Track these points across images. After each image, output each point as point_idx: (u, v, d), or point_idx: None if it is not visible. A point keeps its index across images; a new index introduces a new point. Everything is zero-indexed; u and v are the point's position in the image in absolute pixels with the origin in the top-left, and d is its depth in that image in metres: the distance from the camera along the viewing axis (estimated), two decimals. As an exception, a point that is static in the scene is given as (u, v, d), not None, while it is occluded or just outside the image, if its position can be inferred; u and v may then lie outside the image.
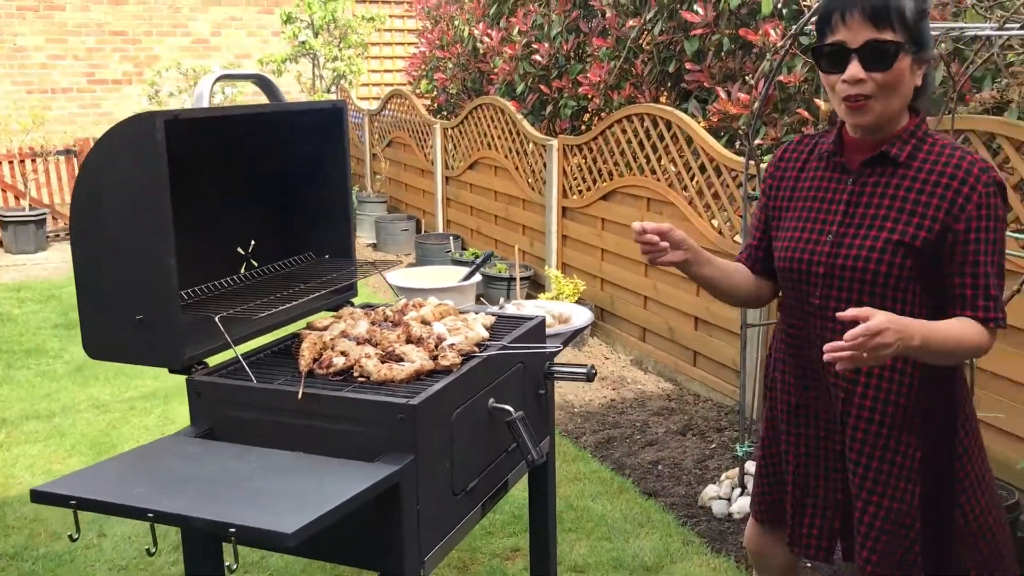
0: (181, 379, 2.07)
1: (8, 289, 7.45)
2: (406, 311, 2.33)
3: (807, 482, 2.12)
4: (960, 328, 1.81)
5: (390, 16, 11.16)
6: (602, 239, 5.77)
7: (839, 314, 1.67)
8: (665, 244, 1.96)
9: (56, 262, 8.45)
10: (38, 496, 1.68)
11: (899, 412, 1.93)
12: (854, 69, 1.80)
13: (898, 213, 1.86)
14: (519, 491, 3.59)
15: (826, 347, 1.65)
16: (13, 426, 4.59)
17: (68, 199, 7.63)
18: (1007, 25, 2.59)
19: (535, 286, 6.54)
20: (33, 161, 9.33)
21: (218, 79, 2.17)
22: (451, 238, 7.69)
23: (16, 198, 9.25)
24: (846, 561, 2.15)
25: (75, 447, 4.33)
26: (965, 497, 1.98)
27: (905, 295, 1.87)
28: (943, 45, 3.25)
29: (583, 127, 6.68)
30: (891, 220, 1.86)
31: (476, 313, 2.40)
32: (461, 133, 7.77)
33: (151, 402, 4.89)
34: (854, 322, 1.64)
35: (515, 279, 6.13)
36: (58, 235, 9.31)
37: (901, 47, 1.79)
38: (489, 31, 7.40)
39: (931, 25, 3.04)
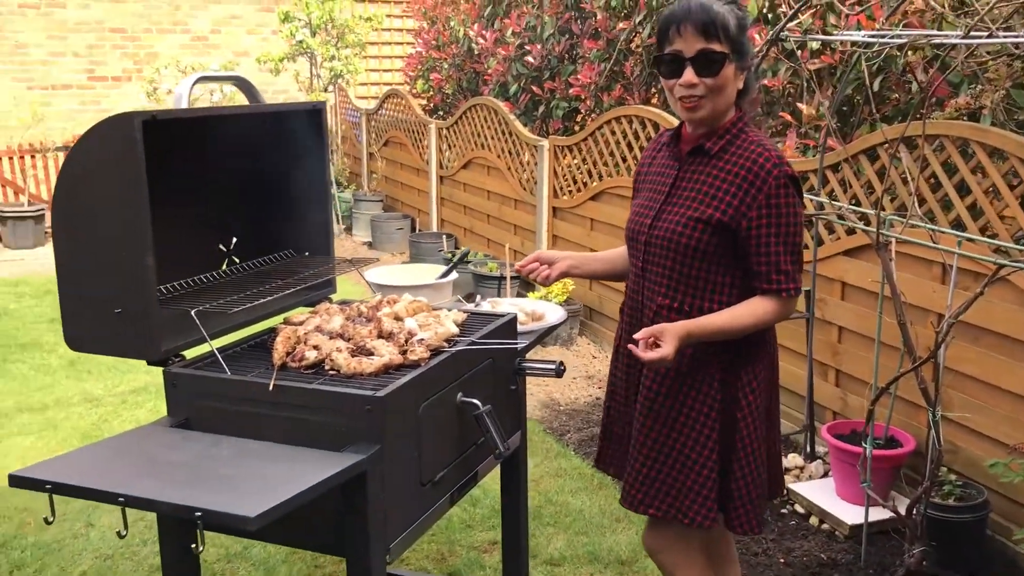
0: (172, 373, 2.13)
1: (6, 284, 7.52)
2: (380, 307, 2.39)
3: (617, 410, 2.43)
4: (738, 310, 2.15)
5: (387, 16, 11.22)
6: (591, 239, 5.83)
7: (635, 338, 2.10)
8: (544, 266, 2.48)
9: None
10: (15, 480, 1.75)
11: (686, 363, 2.21)
12: (688, 75, 2.12)
13: (703, 196, 2.19)
14: (500, 486, 3.66)
15: (631, 347, 2.11)
16: (7, 418, 4.66)
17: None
18: (972, 34, 2.65)
19: (525, 285, 6.60)
20: (32, 157, 9.42)
21: (197, 80, 2.24)
22: (444, 237, 7.75)
23: (15, 194, 9.34)
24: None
25: (66, 440, 4.40)
26: (743, 444, 2.23)
27: (709, 263, 2.18)
28: (914, 53, 3.31)
29: (576, 127, 6.74)
30: (696, 201, 2.19)
31: (449, 310, 2.46)
32: (455, 133, 7.84)
33: (142, 396, 4.96)
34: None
35: (505, 278, 6.19)
36: (56, 231, 9.38)
37: (727, 56, 2.11)
38: (484, 32, 7.47)
39: (906, 32, 3.11)
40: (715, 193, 2.16)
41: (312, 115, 2.60)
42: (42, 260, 8.46)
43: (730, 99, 2.18)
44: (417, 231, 8.72)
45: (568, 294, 5.87)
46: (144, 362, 2.13)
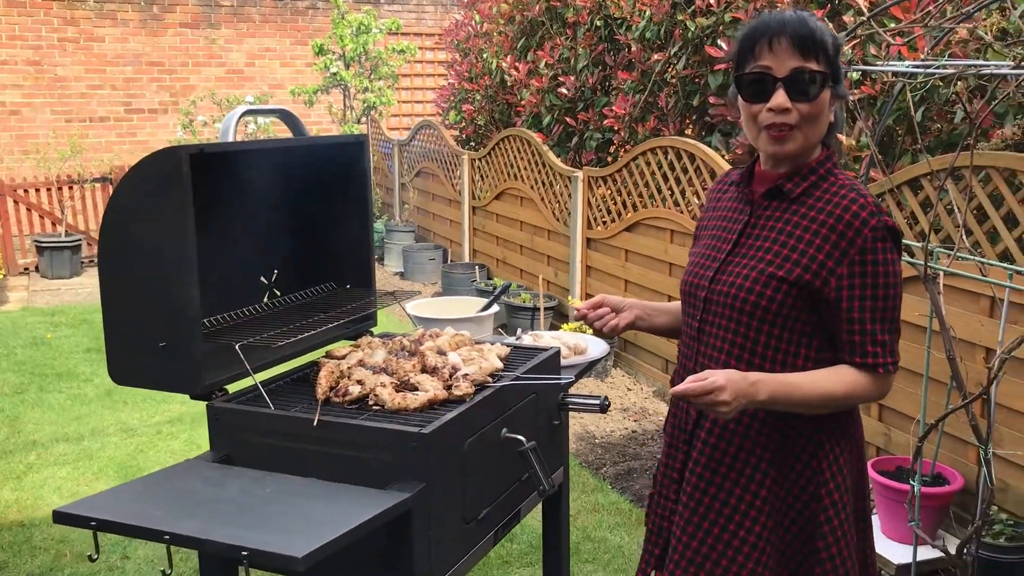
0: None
1: (43, 313, 7.60)
2: (423, 341, 2.37)
3: (658, 502, 2.08)
4: (828, 380, 1.79)
5: (420, 48, 11.32)
6: (626, 270, 5.80)
7: (672, 389, 1.75)
8: (611, 313, 2.15)
9: (90, 287, 8.61)
10: (60, 517, 1.73)
11: (747, 443, 1.86)
12: (780, 98, 1.76)
13: (780, 247, 1.83)
14: (537, 521, 3.61)
15: (672, 389, 1.74)
16: (43, 448, 4.68)
17: (103, 226, 7.78)
18: None
19: (559, 316, 6.57)
20: (70, 188, 9.54)
21: (244, 114, 2.24)
22: (477, 268, 7.75)
23: (53, 224, 9.46)
24: None
25: (102, 470, 4.40)
26: (827, 553, 1.85)
27: (782, 329, 1.83)
28: (959, 83, 3.26)
29: (609, 159, 6.73)
30: (772, 253, 1.83)
31: (492, 344, 2.43)
32: (488, 164, 7.86)
33: (178, 427, 4.96)
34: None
35: (539, 309, 6.16)
36: (93, 261, 9.47)
37: (826, 78, 1.77)
38: (517, 64, 7.49)
39: (953, 62, 3.07)
40: (795, 244, 1.81)
41: (355, 148, 2.59)
42: (78, 290, 8.55)
43: (822, 132, 1.82)
44: (449, 262, 8.73)
45: (602, 326, 5.83)
46: (180, 393, 2.11)
